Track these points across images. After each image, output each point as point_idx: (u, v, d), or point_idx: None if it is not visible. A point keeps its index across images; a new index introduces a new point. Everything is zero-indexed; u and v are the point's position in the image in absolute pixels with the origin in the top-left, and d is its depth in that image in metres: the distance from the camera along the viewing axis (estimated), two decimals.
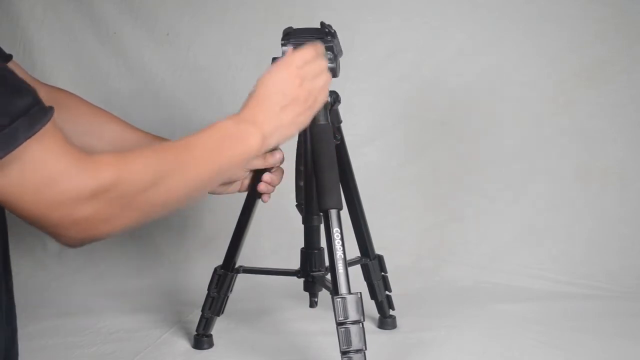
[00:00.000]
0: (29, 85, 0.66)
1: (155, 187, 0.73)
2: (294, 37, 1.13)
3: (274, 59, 1.21)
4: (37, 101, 0.65)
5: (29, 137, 0.63)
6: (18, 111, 0.63)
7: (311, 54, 0.95)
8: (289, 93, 0.91)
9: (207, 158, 0.82)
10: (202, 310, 1.34)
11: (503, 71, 1.91)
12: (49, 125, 0.65)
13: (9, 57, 0.98)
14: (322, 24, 1.16)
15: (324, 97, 0.96)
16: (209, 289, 1.33)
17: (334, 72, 1.17)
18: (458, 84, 1.92)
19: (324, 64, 0.97)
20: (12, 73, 0.66)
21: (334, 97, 1.22)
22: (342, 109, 1.27)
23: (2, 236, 0.77)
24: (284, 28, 1.22)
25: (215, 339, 1.38)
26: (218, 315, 1.35)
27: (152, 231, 1.98)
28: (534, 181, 1.89)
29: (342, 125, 1.28)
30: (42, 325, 1.49)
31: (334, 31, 1.16)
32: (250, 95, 0.94)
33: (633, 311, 1.53)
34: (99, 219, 0.68)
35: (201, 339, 1.37)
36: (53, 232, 0.67)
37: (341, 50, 1.19)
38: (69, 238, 0.68)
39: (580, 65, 1.88)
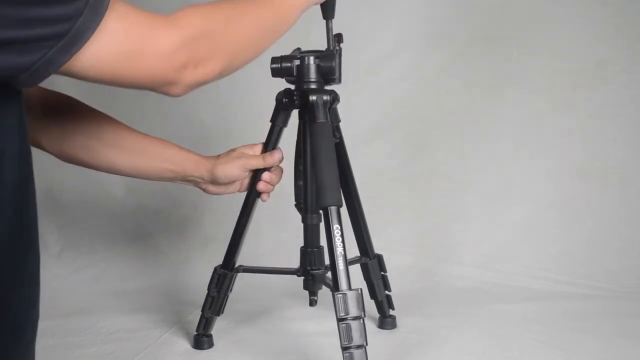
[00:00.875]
0: None
1: (234, 29, 0.84)
2: None
3: (273, 58, 1.22)
4: None
5: (106, 8, 0.67)
6: None
7: None
8: None
9: (267, 2, 0.93)
10: (202, 310, 1.34)
11: (503, 71, 1.91)
12: None
13: None
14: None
15: None
16: (209, 289, 1.33)
17: (334, 73, 1.18)
18: (458, 83, 1.92)
19: None
20: None
21: (333, 96, 1.22)
22: (341, 108, 1.27)
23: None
24: None
25: (215, 339, 1.38)
26: (218, 315, 1.35)
27: (152, 231, 1.98)
28: (534, 181, 1.89)
29: (342, 125, 1.28)
30: (42, 325, 1.48)
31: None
32: None
33: (633, 311, 1.53)
34: (195, 62, 0.76)
35: (201, 339, 1.36)
36: (166, 86, 0.76)
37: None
38: (181, 86, 0.77)
39: (580, 65, 1.88)
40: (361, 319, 1.04)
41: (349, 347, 1.03)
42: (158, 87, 0.75)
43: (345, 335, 1.03)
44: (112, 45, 0.68)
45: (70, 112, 1.08)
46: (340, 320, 1.04)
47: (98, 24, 0.66)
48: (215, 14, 0.82)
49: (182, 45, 0.74)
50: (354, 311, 1.04)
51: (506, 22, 1.90)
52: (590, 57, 1.87)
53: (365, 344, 1.04)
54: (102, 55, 0.68)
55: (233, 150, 1.23)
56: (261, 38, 0.91)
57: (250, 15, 0.88)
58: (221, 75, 0.83)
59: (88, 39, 0.65)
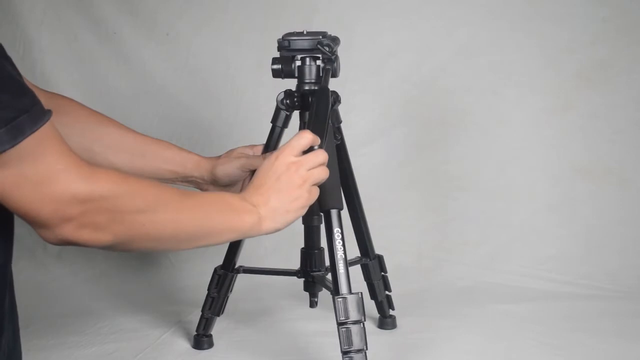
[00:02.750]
0: (28, 87, 0.69)
1: (146, 214, 0.76)
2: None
3: (274, 59, 1.22)
4: (37, 101, 0.68)
5: (34, 131, 0.66)
6: (22, 107, 0.66)
7: (309, 142, 0.94)
8: (279, 174, 0.92)
9: (201, 211, 0.85)
10: (202, 310, 1.34)
11: (503, 71, 1.91)
12: (49, 125, 0.68)
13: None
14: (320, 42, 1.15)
15: (316, 192, 0.96)
16: (209, 289, 1.33)
17: (334, 73, 1.18)
18: (458, 84, 1.92)
19: (323, 158, 0.96)
20: (16, 71, 0.69)
21: (334, 97, 1.22)
22: (342, 109, 1.27)
23: (7, 234, 0.77)
24: (283, 28, 1.22)
25: (215, 339, 1.38)
26: (218, 315, 1.35)
27: None
28: (534, 181, 1.89)
29: (342, 125, 1.28)
30: (42, 325, 1.49)
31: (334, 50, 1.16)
32: (251, 180, 0.96)
33: (633, 311, 1.53)
34: (86, 222, 0.70)
35: (201, 339, 1.36)
36: (40, 226, 0.70)
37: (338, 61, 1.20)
38: (53, 235, 0.71)
39: (580, 65, 1.88)
40: (361, 323, 1.04)
41: (349, 352, 1.03)
42: (34, 223, 0.70)
43: (345, 339, 1.03)
44: (19, 169, 0.66)
45: (69, 114, 1.08)
46: (340, 324, 1.04)
47: (19, 142, 0.64)
48: (137, 193, 0.76)
49: (81, 201, 0.69)
50: (354, 315, 1.04)
51: (506, 21, 1.90)
52: (590, 57, 1.87)
53: (365, 348, 1.04)
54: (5, 173, 0.66)
55: (233, 150, 1.23)
56: (174, 241, 0.82)
57: (174, 215, 0.80)
58: (106, 248, 0.76)
59: (3, 151, 0.64)
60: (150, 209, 0.76)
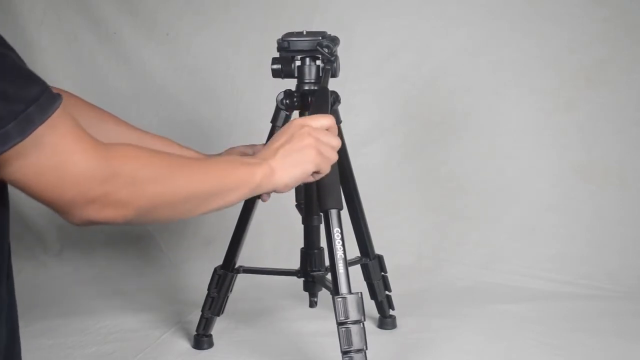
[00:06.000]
0: (36, 75, 0.69)
1: (164, 182, 0.77)
2: None
3: (274, 59, 1.22)
4: (46, 88, 0.68)
5: (43, 121, 0.66)
6: (31, 97, 0.65)
7: (327, 122, 0.96)
8: (293, 133, 0.93)
9: (215, 170, 0.86)
10: (202, 310, 1.34)
11: (503, 71, 1.91)
12: (59, 111, 0.68)
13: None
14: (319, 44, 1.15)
15: (332, 154, 0.96)
16: (209, 289, 1.33)
17: (334, 73, 1.17)
18: (458, 84, 1.92)
19: (337, 138, 0.98)
20: (21, 61, 0.69)
21: (334, 97, 1.22)
22: (342, 109, 1.27)
23: (4, 233, 0.77)
24: (283, 28, 1.22)
25: (215, 339, 1.38)
26: (218, 315, 1.35)
27: (152, 231, 1.98)
28: (534, 181, 1.89)
29: (342, 125, 1.28)
30: (42, 325, 1.49)
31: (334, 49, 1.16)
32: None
33: (633, 311, 1.53)
34: (109, 201, 0.71)
35: (201, 339, 1.37)
36: (64, 211, 0.71)
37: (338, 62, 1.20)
38: (78, 218, 0.71)
39: (580, 65, 1.88)
40: (361, 323, 1.04)
41: (349, 351, 1.03)
42: (58, 209, 0.70)
43: (345, 339, 1.03)
44: (36, 158, 0.66)
45: (69, 108, 1.08)
46: (340, 324, 1.04)
47: (29, 134, 0.64)
48: (153, 162, 0.77)
49: (101, 181, 0.70)
50: (354, 315, 1.04)
51: (506, 21, 1.90)
52: (590, 57, 1.87)
53: (365, 348, 1.04)
54: (22, 164, 0.66)
55: (233, 148, 1.23)
56: (191, 204, 0.83)
57: (189, 177, 0.81)
58: (128, 223, 0.76)
59: (15, 145, 0.64)
60: (166, 177, 0.78)
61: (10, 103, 0.64)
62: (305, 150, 0.92)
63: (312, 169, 0.93)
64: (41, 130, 0.65)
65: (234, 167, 0.88)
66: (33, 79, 0.67)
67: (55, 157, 0.67)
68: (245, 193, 0.89)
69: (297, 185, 0.95)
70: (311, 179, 0.98)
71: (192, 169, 0.82)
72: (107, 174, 0.70)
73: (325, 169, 0.95)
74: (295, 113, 1.25)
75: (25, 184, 0.68)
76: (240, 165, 0.89)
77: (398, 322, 1.46)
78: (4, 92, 0.63)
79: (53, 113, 0.67)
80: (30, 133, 0.65)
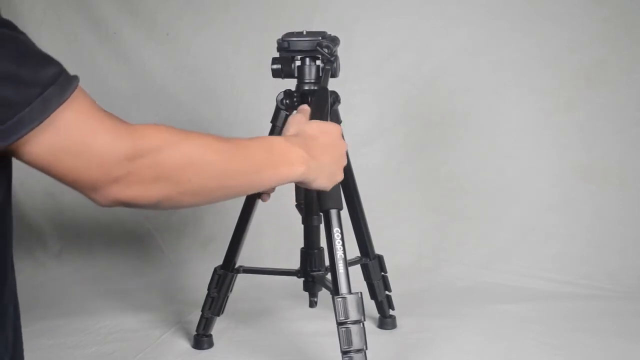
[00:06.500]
0: (51, 56, 0.68)
1: (194, 169, 0.75)
2: None
3: (274, 59, 1.22)
4: (62, 69, 0.68)
5: (62, 103, 0.65)
6: (48, 79, 0.65)
7: (339, 132, 0.96)
8: (335, 142, 0.93)
9: (254, 162, 0.83)
10: (202, 310, 1.34)
11: (503, 71, 1.91)
12: (77, 92, 0.68)
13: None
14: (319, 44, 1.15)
15: (341, 174, 0.96)
16: (209, 289, 1.33)
17: (334, 73, 1.17)
18: (458, 84, 1.92)
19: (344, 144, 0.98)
20: (33, 44, 0.68)
21: (334, 97, 1.22)
22: (342, 109, 1.27)
23: (6, 233, 0.77)
24: (283, 28, 1.22)
25: (215, 339, 1.38)
26: (218, 315, 1.35)
27: (152, 231, 1.98)
28: (534, 181, 1.89)
29: (342, 125, 1.27)
30: (42, 325, 1.49)
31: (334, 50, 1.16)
32: (296, 129, 0.94)
33: (633, 311, 1.53)
34: (134, 180, 0.70)
35: (201, 339, 1.37)
36: (90, 190, 0.70)
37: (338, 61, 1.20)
38: (104, 197, 0.71)
39: (580, 65, 1.88)
40: (361, 323, 1.04)
41: (349, 351, 1.03)
42: (83, 189, 0.69)
43: (345, 339, 1.03)
44: (57, 140, 0.66)
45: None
46: (340, 324, 1.04)
47: (47, 117, 0.64)
48: (182, 143, 0.74)
49: (126, 159, 0.68)
50: (353, 315, 1.04)
51: (506, 21, 1.90)
52: (590, 57, 1.87)
53: (365, 348, 1.04)
54: (43, 147, 0.65)
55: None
56: (225, 190, 0.80)
57: (223, 167, 0.78)
58: (155, 206, 0.73)
59: (32, 129, 0.63)
60: (196, 164, 0.75)
61: (27, 88, 0.63)
62: (339, 169, 0.93)
63: (332, 185, 0.93)
64: (61, 111, 0.65)
65: (273, 162, 0.85)
66: (49, 61, 0.67)
67: (77, 136, 0.67)
68: (281, 184, 0.87)
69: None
70: None
71: (226, 159, 0.79)
72: (130, 152, 0.69)
73: (340, 179, 0.95)
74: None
75: (49, 166, 0.67)
76: (279, 159, 0.85)
77: (398, 322, 1.46)
78: (21, 76, 0.63)
79: (71, 93, 0.66)
80: (49, 115, 0.64)
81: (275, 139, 0.89)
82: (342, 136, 0.95)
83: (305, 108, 0.99)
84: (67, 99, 0.66)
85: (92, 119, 0.68)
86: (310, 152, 0.88)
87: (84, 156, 0.67)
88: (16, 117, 0.62)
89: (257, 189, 0.86)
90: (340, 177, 0.94)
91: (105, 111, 0.70)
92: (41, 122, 0.64)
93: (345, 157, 0.94)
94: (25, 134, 0.63)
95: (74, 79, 0.68)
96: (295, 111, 1.01)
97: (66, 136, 0.66)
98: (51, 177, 0.69)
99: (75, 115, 0.67)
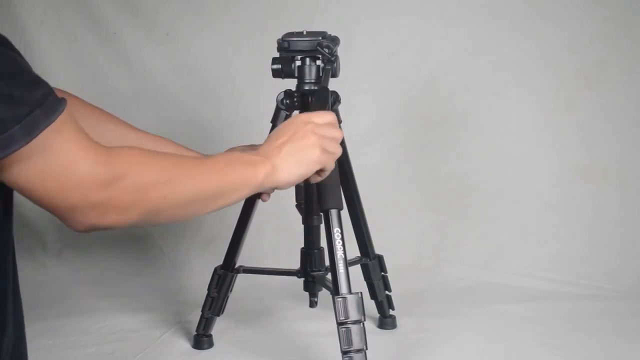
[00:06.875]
0: (41, 78, 0.69)
1: (167, 185, 0.76)
2: None
3: (274, 59, 1.22)
4: (51, 91, 0.68)
5: (48, 125, 0.66)
6: (36, 101, 0.65)
7: (330, 118, 0.96)
8: (297, 130, 0.93)
9: (218, 171, 0.86)
10: (202, 310, 1.34)
11: (503, 71, 1.91)
12: (64, 115, 0.68)
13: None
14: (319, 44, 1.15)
15: (337, 148, 0.95)
16: (209, 289, 1.33)
17: (334, 73, 1.17)
18: (458, 84, 1.92)
19: (339, 130, 0.97)
20: (27, 64, 0.69)
21: (334, 97, 1.22)
22: (342, 109, 1.27)
23: (8, 233, 0.77)
24: (283, 28, 1.22)
25: (215, 339, 1.38)
26: (218, 315, 1.35)
27: (152, 231, 1.98)
28: (534, 181, 1.89)
29: (342, 125, 1.27)
30: (42, 325, 1.49)
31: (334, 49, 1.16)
32: (268, 135, 0.97)
33: (633, 311, 1.53)
34: (112, 206, 0.71)
35: (201, 339, 1.37)
36: (67, 216, 0.71)
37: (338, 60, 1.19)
38: (81, 224, 0.71)
39: (580, 65, 1.88)
40: (361, 323, 1.04)
41: (349, 351, 1.03)
42: (60, 213, 0.70)
43: (345, 339, 1.03)
44: (39, 162, 0.66)
45: (71, 110, 1.07)
46: (340, 324, 1.04)
47: (34, 137, 0.64)
48: (155, 166, 0.76)
49: (104, 186, 0.69)
50: (354, 315, 1.04)
51: (506, 21, 1.90)
52: (590, 57, 1.87)
53: (365, 348, 1.04)
54: (25, 167, 0.66)
55: (233, 149, 1.23)
56: (195, 206, 0.82)
57: (193, 180, 0.81)
58: (133, 226, 0.76)
59: (20, 147, 0.64)
60: (170, 180, 0.77)
61: (15, 106, 0.63)
62: (310, 150, 0.92)
63: (316, 167, 0.93)
64: (45, 134, 0.65)
65: (237, 167, 0.88)
66: (38, 83, 0.67)
67: (59, 161, 0.67)
68: (248, 192, 0.89)
69: (299, 182, 0.95)
70: (319, 178, 0.97)
71: (194, 171, 0.82)
72: (110, 179, 0.70)
73: (331, 166, 0.95)
74: (295, 113, 1.25)
75: (28, 188, 0.68)
76: (242, 165, 0.88)
77: (398, 322, 1.46)
78: (10, 95, 0.63)
79: (58, 117, 0.67)
80: (35, 137, 0.64)
81: (237, 150, 0.96)
82: (314, 122, 0.93)
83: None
84: (53, 121, 0.66)
85: (75, 145, 0.69)
86: (269, 154, 0.90)
87: (64, 180, 0.68)
88: (5, 134, 0.63)
89: (229, 197, 0.87)
90: (314, 155, 0.92)
91: (87, 135, 0.70)
92: (28, 143, 0.64)
93: (316, 135, 0.92)
94: (13, 151, 0.64)
95: (62, 102, 0.68)
96: (296, 111, 1.01)
97: (49, 159, 0.67)
98: (29, 199, 0.69)
99: (60, 138, 0.67)
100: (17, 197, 0.74)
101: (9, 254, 0.77)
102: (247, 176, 0.87)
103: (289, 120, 0.96)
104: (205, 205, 0.84)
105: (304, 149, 0.91)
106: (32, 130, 0.64)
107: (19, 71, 0.66)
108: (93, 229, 0.72)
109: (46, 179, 0.67)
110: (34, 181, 0.67)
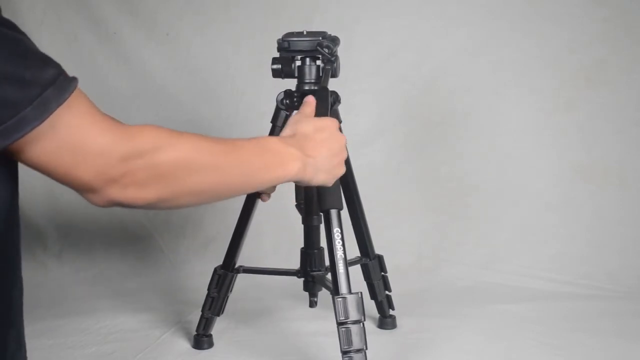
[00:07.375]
0: (50, 57, 0.69)
1: (189, 169, 0.76)
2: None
3: (274, 59, 1.22)
4: (62, 70, 0.69)
5: (61, 104, 0.66)
6: (47, 80, 0.66)
7: (337, 126, 0.96)
8: (332, 135, 0.93)
9: (248, 163, 0.83)
10: (202, 310, 1.34)
11: (503, 71, 1.91)
12: (76, 93, 0.68)
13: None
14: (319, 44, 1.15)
15: (342, 167, 0.96)
16: (209, 289, 1.33)
17: (334, 73, 1.17)
18: (458, 84, 1.92)
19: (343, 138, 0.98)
20: (34, 45, 0.69)
21: (334, 97, 1.22)
22: (342, 109, 1.27)
23: (14, 227, 0.77)
24: (283, 28, 1.22)
25: (215, 339, 1.38)
26: (218, 315, 1.35)
27: (152, 231, 1.98)
28: (534, 181, 1.89)
29: (342, 125, 1.28)
30: (42, 325, 1.49)
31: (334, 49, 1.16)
32: (292, 129, 0.94)
33: (633, 311, 1.53)
34: (130, 180, 0.71)
35: (201, 339, 1.37)
36: (87, 191, 0.71)
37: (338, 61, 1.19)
38: (100, 198, 0.71)
39: (580, 65, 1.88)
40: (361, 323, 1.04)
41: (349, 351, 1.03)
42: (79, 189, 0.70)
43: (345, 339, 1.03)
44: (55, 141, 0.67)
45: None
46: (340, 324, 1.04)
47: (47, 117, 0.65)
48: (177, 144, 0.75)
49: (122, 160, 0.69)
50: (354, 315, 1.04)
51: (506, 21, 1.90)
52: (590, 57, 1.87)
53: (365, 348, 1.04)
54: (42, 147, 0.66)
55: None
56: (221, 190, 0.81)
57: (219, 167, 0.79)
58: (150, 206, 0.74)
59: (33, 128, 0.64)
60: (191, 164, 0.76)
61: (27, 87, 0.64)
62: (340, 168, 0.93)
63: (334, 180, 0.94)
64: (59, 112, 0.66)
65: (268, 163, 0.85)
66: (48, 62, 0.67)
67: (74, 137, 0.68)
68: (278, 184, 0.89)
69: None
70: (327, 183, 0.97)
71: (221, 161, 0.79)
72: (128, 153, 0.70)
73: (341, 173, 0.95)
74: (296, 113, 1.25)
75: (46, 167, 0.68)
76: (274, 160, 0.86)
77: (398, 322, 1.46)
78: (20, 76, 0.64)
79: (70, 95, 0.67)
80: (48, 116, 0.65)
81: (270, 139, 0.89)
82: (340, 129, 0.95)
83: (308, 101, 1.00)
84: (65, 100, 0.66)
85: (90, 120, 0.69)
86: (305, 150, 0.89)
87: (81, 157, 0.68)
88: (18, 116, 0.63)
89: (253, 188, 0.86)
90: (341, 170, 0.94)
91: (102, 113, 0.71)
92: (41, 122, 0.65)
93: (345, 150, 0.94)
94: (27, 133, 0.64)
95: (73, 80, 0.69)
96: (295, 111, 1.01)
97: (64, 137, 0.67)
98: (49, 177, 0.70)
99: (74, 116, 0.68)
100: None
101: (16, 261, 0.77)
102: (277, 173, 0.86)
103: (322, 118, 0.94)
104: (225, 195, 0.83)
105: (338, 167, 0.93)
106: (44, 110, 0.65)
107: (27, 52, 0.66)
108: (113, 203, 0.72)
109: (63, 155, 0.68)
110: (51, 159, 0.67)
